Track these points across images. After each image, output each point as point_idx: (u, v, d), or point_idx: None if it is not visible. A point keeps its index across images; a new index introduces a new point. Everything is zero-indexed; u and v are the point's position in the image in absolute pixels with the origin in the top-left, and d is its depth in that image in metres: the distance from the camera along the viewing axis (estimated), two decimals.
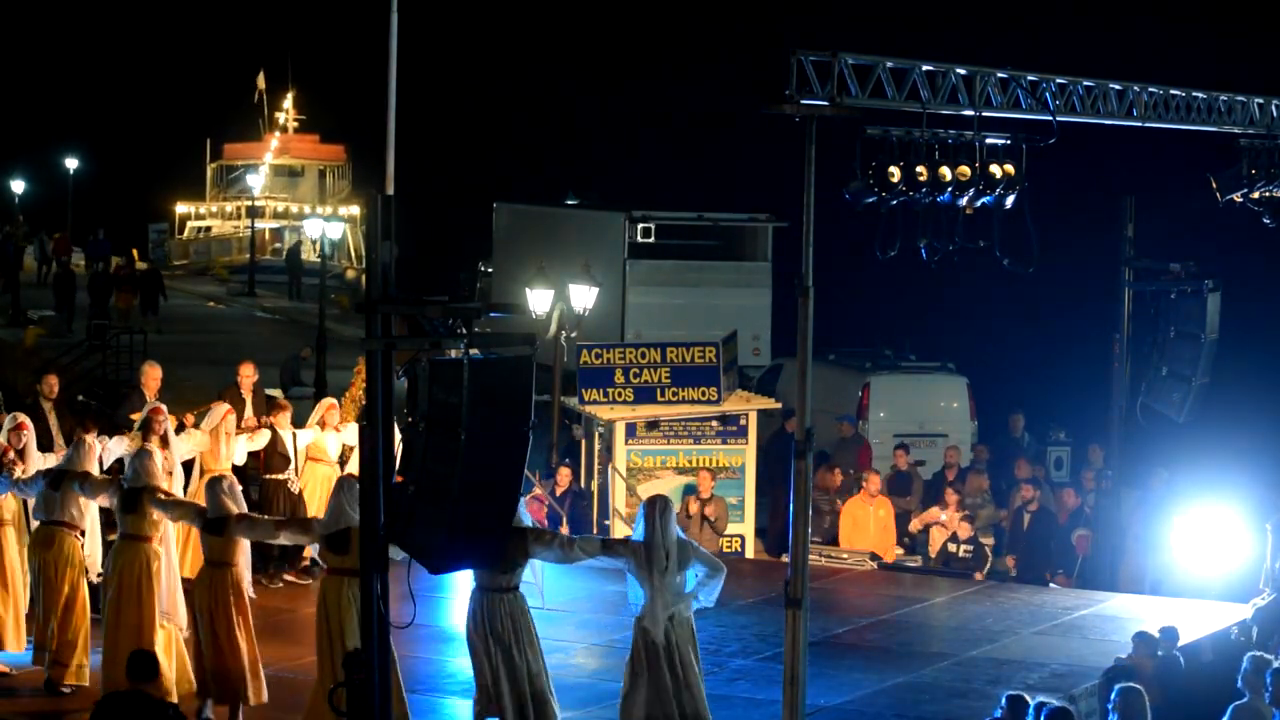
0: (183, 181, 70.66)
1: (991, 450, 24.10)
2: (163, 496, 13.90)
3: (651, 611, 12.17)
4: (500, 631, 12.09)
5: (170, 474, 16.58)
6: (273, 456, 18.36)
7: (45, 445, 16.46)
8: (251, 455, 18.46)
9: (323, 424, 18.67)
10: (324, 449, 18.58)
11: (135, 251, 54.55)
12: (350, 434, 18.64)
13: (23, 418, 15.74)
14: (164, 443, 16.62)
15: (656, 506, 12.29)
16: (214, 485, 13.51)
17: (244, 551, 13.50)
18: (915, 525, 21.24)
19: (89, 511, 14.53)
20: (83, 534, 14.46)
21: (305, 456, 18.57)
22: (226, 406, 17.88)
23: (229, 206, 68.87)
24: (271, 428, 18.35)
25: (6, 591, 14.71)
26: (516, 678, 12.14)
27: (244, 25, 79.23)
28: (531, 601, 12.74)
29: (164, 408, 17.11)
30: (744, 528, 21.23)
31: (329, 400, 19.16)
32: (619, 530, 21.10)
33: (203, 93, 74.27)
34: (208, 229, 68.92)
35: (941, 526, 20.68)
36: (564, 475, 20.73)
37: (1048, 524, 20.57)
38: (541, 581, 16.26)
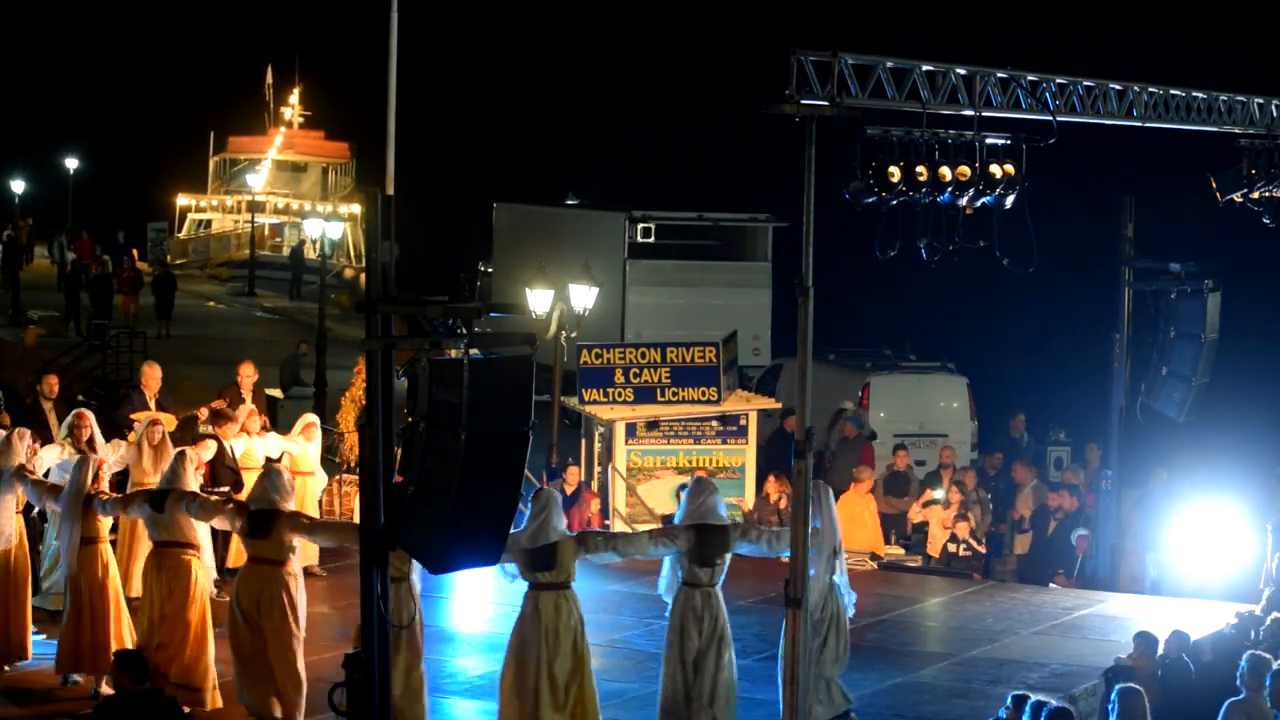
0: (185, 177, 70.54)
1: (991, 452, 24.11)
2: (306, 522, 13.46)
3: (820, 586, 13.04)
4: (699, 629, 12.87)
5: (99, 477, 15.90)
6: (219, 469, 17.28)
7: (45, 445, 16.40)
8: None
9: (246, 431, 18.01)
10: (254, 457, 17.87)
11: (135, 252, 54.51)
12: (272, 442, 18.15)
13: (29, 438, 15.24)
14: (91, 447, 16.17)
15: (821, 492, 13.21)
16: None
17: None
18: (915, 514, 21.29)
19: (202, 528, 13.85)
20: (199, 550, 13.77)
21: (239, 467, 17.72)
22: (154, 415, 17.10)
23: (230, 200, 68.67)
24: (218, 439, 17.42)
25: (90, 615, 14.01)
26: (704, 674, 12.87)
27: (252, 19, 79.33)
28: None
29: (88, 413, 16.66)
30: None
31: (250, 406, 18.52)
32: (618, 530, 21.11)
33: (207, 87, 74.31)
34: (208, 223, 68.76)
35: (940, 507, 20.74)
36: (572, 474, 20.70)
37: (1066, 528, 20.62)
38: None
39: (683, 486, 20.59)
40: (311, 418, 19.09)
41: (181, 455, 14.12)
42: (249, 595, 12.96)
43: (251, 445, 17.98)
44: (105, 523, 14.15)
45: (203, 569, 13.71)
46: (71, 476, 14.14)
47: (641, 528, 19.36)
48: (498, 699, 12.70)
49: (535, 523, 12.55)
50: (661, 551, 13.10)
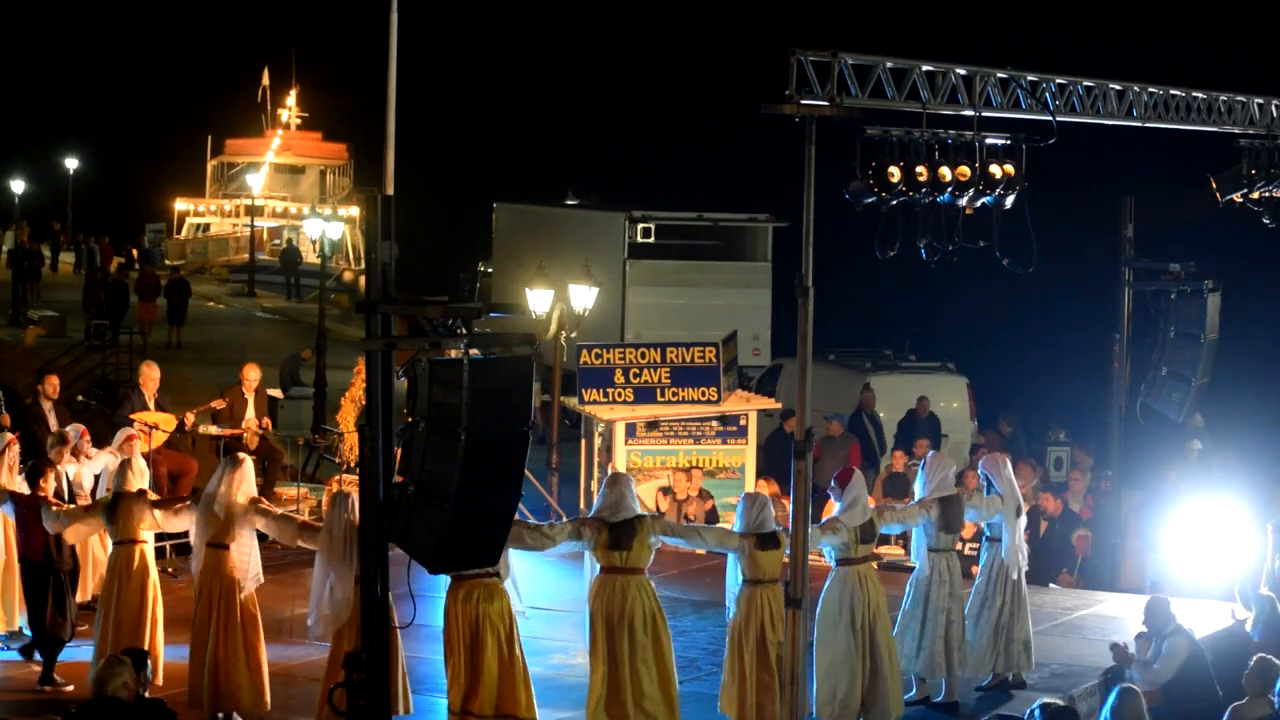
0: (183, 180, 70.57)
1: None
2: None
3: (1014, 550, 14.40)
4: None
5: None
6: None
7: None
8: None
9: (77, 454, 16.46)
10: (80, 480, 16.32)
11: (135, 253, 54.47)
12: (95, 463, 16.72)
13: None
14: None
15: (999, 461, 14.65)
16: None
17: None
18: None
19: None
20: None
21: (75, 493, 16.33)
22: (10, 436, 15.64)
23: (228, 204, 68.64)
24: (52, 463, 15.54)
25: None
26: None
27: (248, 22, 79.36)
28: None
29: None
30: None
31: (80, 426, 17.23)
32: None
33: (205, 90, 74.37)
34: (206, 227, 68.73)
35: None
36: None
37: (1059, 528, 20.57)
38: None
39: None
40: (131, 431, 17.72)
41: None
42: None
43: (82, 469, 16.61)
44: None
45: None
46: (335, 515, 12.64)
47: None
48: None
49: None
50: (905, 527, 14.23)
